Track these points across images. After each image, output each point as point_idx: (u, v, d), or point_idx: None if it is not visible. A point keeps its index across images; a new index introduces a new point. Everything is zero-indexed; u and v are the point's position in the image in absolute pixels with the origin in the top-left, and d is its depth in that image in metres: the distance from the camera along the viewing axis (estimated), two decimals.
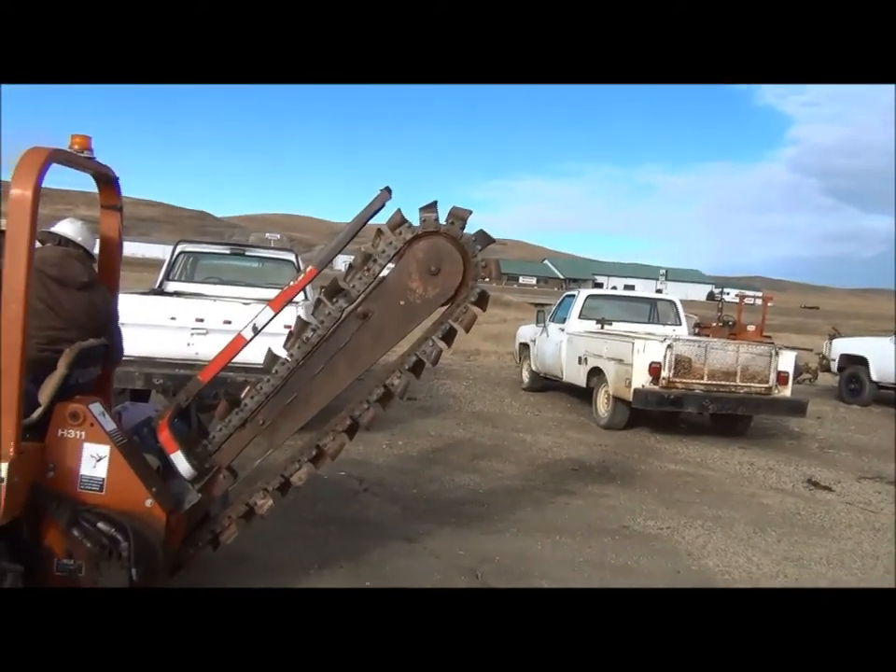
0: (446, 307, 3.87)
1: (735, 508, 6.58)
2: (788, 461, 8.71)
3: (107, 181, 4.04)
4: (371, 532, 5.16)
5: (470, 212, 3.78)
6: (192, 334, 7.69)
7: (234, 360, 8.38)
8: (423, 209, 3.73)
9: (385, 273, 3.79)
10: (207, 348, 7.72)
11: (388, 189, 3.84)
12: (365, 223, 3.79)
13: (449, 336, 3.89)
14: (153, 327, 7.44)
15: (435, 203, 3.80)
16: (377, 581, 4.35)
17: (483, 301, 3.88)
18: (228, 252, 10.13)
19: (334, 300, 3.71)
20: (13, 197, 3.08)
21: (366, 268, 3.72)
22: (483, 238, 3.82)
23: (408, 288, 3.74)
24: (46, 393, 3.38)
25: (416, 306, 3.77)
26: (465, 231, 3.75)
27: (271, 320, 3.70)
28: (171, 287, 9.38)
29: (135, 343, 6.29)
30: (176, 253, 9.67)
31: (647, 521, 6.01)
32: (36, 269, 3.38)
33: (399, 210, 3.73)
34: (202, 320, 7.70)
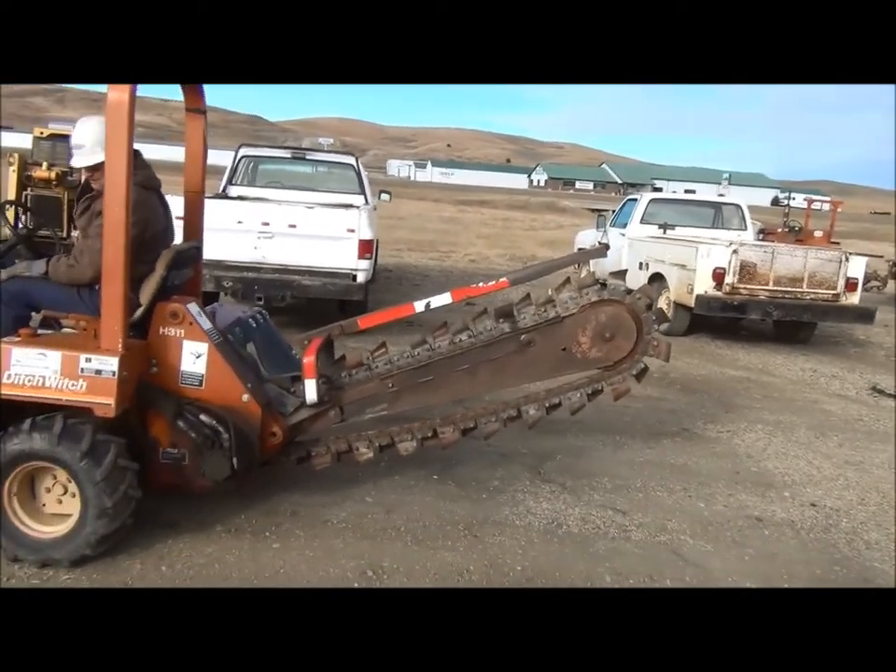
0: (603, 370, 4.05)
1: (797, 413, 6.63)
2: (852, 368, 8.66)
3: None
4: None
5: (659, 293, 3.99)
6: (259, 238, 7.88)
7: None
8: (613, 274, 3.95)
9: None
10: (273, 252, 7.91)
11: (607, 246, 4.50)
12: (574, 263, 4.10)
13: (595, 394, 4.09)
14: (221, 231, 7.50)
15: (625, 271, 4.02)
16: (446, 476, 4.62)
17: (642, 375, 4.07)
18: (289, 156, 10.18)
19: (501, 320, 3.91)
20: (111, 100, 3.10)
21: (543, 308, 3.90)
22: (662, 317, 3.99)
23: (575, 340, 3.93)
24: (146, 294, 3.53)
25: (574, 359, 3.97)
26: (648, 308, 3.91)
27: (446, 305, 3.93)
28: (234, 191, 9.51)
29: (205, 246, 6.46)
30: (238, 157, 9.76)
31: (707, 424, 6.10)
32: None
33: (592, 272, 3.93)
34: (267, 224, 7.86)
